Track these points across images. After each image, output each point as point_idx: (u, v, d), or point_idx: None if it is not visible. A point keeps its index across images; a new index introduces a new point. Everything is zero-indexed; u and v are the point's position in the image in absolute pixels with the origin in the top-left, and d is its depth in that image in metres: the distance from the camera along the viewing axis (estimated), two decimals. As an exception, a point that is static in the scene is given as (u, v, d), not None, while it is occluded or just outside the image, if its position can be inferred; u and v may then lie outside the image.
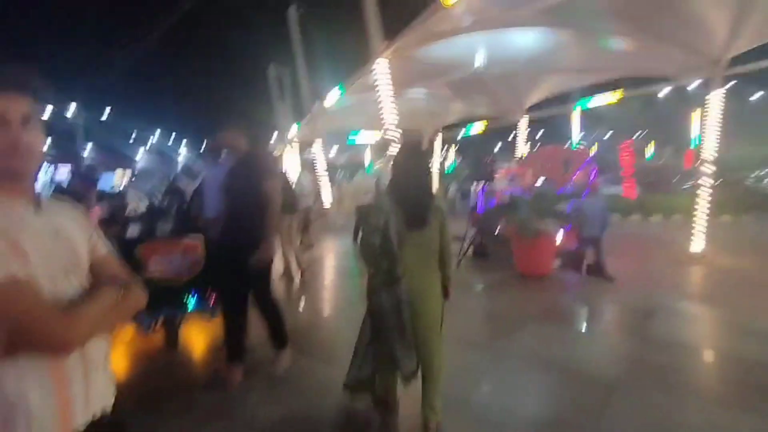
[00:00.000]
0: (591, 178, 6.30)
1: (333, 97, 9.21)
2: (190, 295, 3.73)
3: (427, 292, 2.37)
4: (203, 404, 2.85)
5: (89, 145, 28.18)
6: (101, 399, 1.08)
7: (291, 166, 14.15)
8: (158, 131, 40.27)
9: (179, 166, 17.19)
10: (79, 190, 4.58)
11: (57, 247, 1.02)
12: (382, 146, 7.07)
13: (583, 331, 4.04)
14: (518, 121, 11.54)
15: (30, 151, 0.99)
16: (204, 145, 3.88)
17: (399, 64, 6.76)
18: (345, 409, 2.69)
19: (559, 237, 5.95)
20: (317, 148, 13.86)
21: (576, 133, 11.35)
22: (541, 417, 2.59)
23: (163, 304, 3.62)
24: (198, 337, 4.06)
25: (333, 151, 23.39)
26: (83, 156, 25.39)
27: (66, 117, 24.98)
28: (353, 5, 6.76)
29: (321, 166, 13.73)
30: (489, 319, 4.41)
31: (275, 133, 17.33)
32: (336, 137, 16.25)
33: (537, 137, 26.42)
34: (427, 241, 2.35)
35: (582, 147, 11.10)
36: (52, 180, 12.95)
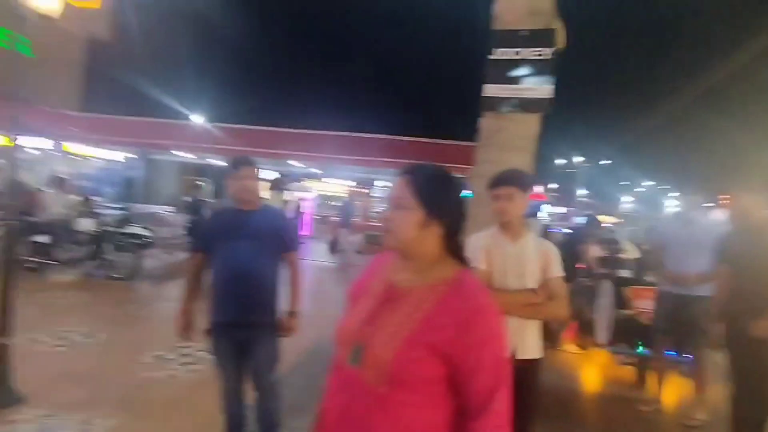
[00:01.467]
0: None
1: None
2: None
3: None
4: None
5: (584, 191, 32.10)
6: (514, 349, 1.84)
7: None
8: (649, 182, 40.00)
9: (665, 218, 16.39)
10: (583, 231, 5.71)
11: (513, 263, 1.95)
12: None
13: None
14: None
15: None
16: (697, 199, 3.74)
17: None
18: None
19: None
20: None
21: None
22: None
23: (640, 341, 4.00)
24: (668, 386, 3.83)
25: None
26: (578, 199, 29.22)
27: (570, 168, 29.73)
28: None
29: None
30: None
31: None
32: None
33: None
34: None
35: None
36: (566, 218, 15.76)
